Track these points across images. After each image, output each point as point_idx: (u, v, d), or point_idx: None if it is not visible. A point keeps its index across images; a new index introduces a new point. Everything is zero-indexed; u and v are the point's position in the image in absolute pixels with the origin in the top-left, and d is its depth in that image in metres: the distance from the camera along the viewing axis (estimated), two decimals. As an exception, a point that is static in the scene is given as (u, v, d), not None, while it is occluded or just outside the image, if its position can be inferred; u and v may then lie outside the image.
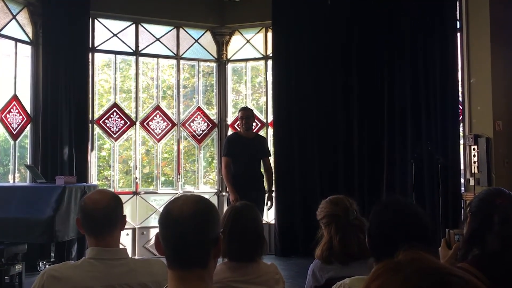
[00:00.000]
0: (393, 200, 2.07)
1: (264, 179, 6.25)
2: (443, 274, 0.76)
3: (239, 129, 6.40)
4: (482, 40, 6.42)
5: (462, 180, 6.72)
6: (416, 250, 0.84)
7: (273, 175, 6.72)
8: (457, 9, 6.90)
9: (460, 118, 6.80)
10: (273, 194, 6.52)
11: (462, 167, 6.73)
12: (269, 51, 8.13)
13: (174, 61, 8.28)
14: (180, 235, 1.40)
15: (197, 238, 1.41)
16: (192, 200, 1.46)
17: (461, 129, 6.82)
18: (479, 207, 1.97)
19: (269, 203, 6.21)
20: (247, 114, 6.20)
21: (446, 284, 0.75)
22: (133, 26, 7.97)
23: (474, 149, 6.37)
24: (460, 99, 6.78)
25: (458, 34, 6.86)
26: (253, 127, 6.58)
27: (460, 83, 6.80)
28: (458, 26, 6.89)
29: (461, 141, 6.78)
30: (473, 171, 6.40)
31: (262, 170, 6.29)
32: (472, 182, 6.42)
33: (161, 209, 7.89)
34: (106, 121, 7.77)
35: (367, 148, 7.33)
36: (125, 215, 2.20)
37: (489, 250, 1.85)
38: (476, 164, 6.33)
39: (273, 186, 7.40)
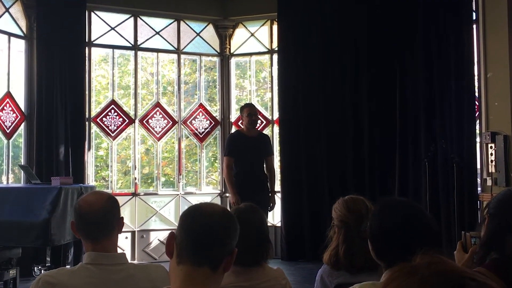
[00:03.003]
0: (394, 201, 2.06)
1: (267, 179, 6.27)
2: (460, 278, 0.78)
3: (242, 127, 6.40)
4: (499, 32, 6.39)
5: (479, 180, 6.70)
6: (433, 253, 0.85)
7: (276, 175, 6.73)
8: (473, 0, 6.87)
9: (476, 115, 6.77)
10: (278, 195, 6.51)
11: (478, 166, 6.71)
12: (275, 45, 8.12)
13: (174, 56, 8.29)
14: (207, 226, 1.47)
15: (220, 236, 1.48)
16: (219, 205, 1.62)
17: (477, 126, 6.79)
18: (497, 209, 1.95)
19: (271, 204, 6.22)
20: (255, 111, 6.24)
21: (462, 286, 0.76)
22: (132, 19, 7.98)
23: (491, 147, 6.34)
24: (476, 94, 6.75)
25: (474, 26, 6.83)
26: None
27: (476, 77, 6.77)
28: (474, 18, 6.86)
29: (478, 139, 6.76)
30: (490, 171, 6.37)
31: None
32: (489, 182, 6.39)
33: (161, 211, 7.92)
34: (104, 119, 7.79)
35: (379, 146, 7.32)
36: (122, 217, 2.19)
37: (508, 253, 1.84)
38: (493, 163, 6.30)
39: (279, 186, 7.44)
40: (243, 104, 6.69)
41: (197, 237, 1.46)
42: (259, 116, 6.52)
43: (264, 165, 6.32)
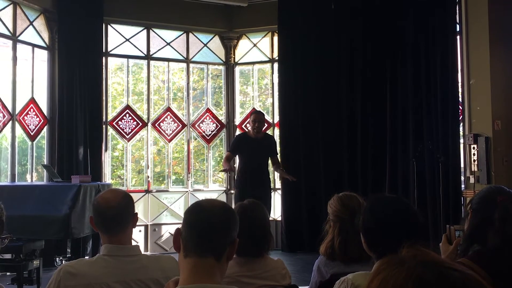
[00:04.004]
0: (385, 197, 2.06)
1: (270, 177, 6.28)
2: (444, 268, 0.78)
3: (249, 129, 6.39)
4: (481, 43, 6.38)
5: (462, 178, 6.68)
6: (418, 246, 0.85)
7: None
8: (457, 13, 6.86)
9: (460, 118, 6.76)
10: (278, 192, 6.47)
11: (462, 165, 6.69)
12: (275, 54, 8.12)
13: (184, 65, 8.29)
14: (208, 220, 1.48)
15: (220, 228, 1.49)
16: (220, 202, 1.61)
17: (461, 128, 6.77)
18: (480, 204, 1.95)
19: (288, 177, 6.33)
20: (260, 118, 6.22)
21: (447, 277, 0.76)
22: (145, 31, 7.98)
23: (474, 148, 6.32)
24: (460, 99, 6.74)
25: (458, 37, 6.82)
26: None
27: (460, 84, 6.76)
28: (458, 29, 6.85)
29: (461, 140, 6.74)
30: (473, 169, 6.36)
31: (270, 168, 6.31)
32: (472, 180, 6.38)
33: (172, 207, 7.92)
34: (119, 122, 7.79)
35: (370, 147, 7.31)
36: (136, 213, 2.19)
37: (489, 246, 1.83)
38: (476, 162, 6.29)
39: (279, 184, 7.45)
40: (253, 110, 6.71)
41: (200, 231, 1.47)
42: (264, 123, 6.52)
43: (268, 164, 6.33)
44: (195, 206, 1.55)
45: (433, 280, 0.75)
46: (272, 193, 7.95)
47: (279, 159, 6.70)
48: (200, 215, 1.49)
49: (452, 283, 0.75)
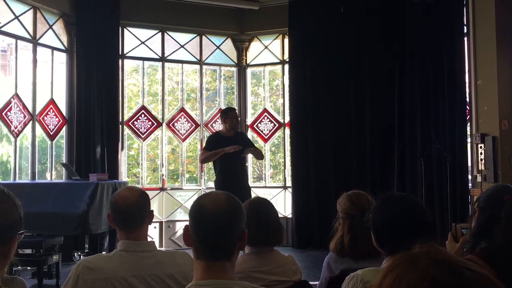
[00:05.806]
0: (395, 196, 2.05)
1: (248, 175, 6.14)
2: (458, 267, 0.76)
3: (221, 129, 6.03)
4: (488, 44, 6.33)
5: (470, 177, 6.63)
6: (431, 243, 0.83)
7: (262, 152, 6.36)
8: (464, 15, 6.81)
9: (467, 118, 6.71)
10: (289, 190, 6.34)
11: (469, 164, 6.64)
12: (286, 56, 8.11)
13: (197, 66, 8.31)
14: (213, 229, 1.42)
15: (227, 233, 1.43)
16: (223, 197, 1.48)
17: (468, 128, 6.73)
18: (487, 202, 1.94)
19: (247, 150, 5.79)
20: (238, 115, 6.05)
21: (460, 276, 0.75)
22: (160, 34, 8.02)
23: (481, 147, 6.28)
24: (468, 99, 6.69)
25: (465, 39, 6.77)
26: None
27: (467, 84, 6.71)
28: (465, 31, 6.80)
29: (469, 140, 6.69)
30: (480, 168, 6.31)
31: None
32: (479, 179, 6.33)
33: (186, 204, 7.94)
34: (135, 122, 7.83)
35: (379, 147, 7.28)
36: (152, 210, 2.20)
37: (496, 243, 1.82)
38: (483, 161, 6.24)
39: (290, 182, 7.42)
40: (225, 108, 6.35)
41: (206, 239, 1.42)
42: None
43: (245, 161, 6.01)
44: (198, 210, 1.46)
45: (447, 280, 0.74)
46: (283, 191, 7.99)
47: (287, 160, 6.58)
48: (204, 221, 1.43)
49: (465, 283, 0.74)
